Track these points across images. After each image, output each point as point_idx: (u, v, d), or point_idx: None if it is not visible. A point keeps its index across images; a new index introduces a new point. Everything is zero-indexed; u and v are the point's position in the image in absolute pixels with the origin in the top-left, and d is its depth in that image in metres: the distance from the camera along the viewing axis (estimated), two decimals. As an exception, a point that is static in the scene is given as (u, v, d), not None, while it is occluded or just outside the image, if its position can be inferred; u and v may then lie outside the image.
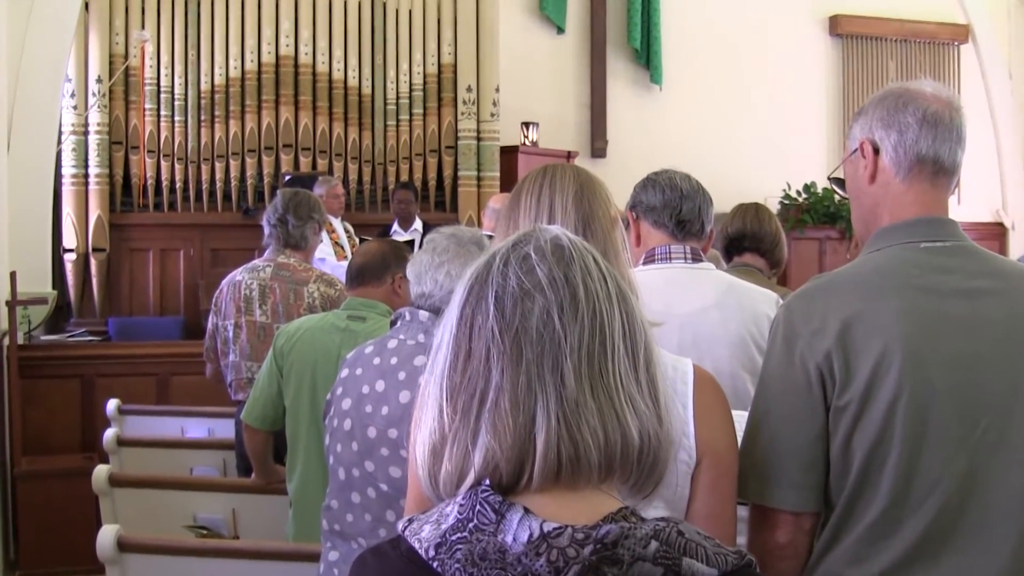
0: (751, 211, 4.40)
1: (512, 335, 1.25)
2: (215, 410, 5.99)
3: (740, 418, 2.00)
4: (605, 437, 1.23)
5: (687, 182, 3.14)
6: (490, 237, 2.96)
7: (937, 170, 2.07)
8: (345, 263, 5.61)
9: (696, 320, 2.97)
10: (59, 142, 8.47)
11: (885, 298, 1.95)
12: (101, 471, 4.49)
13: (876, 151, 2.10)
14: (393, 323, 3.02)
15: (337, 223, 8.12)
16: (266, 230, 4.93)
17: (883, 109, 2.10)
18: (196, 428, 6.01)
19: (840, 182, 2.27)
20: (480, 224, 8.08)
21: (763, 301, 3.06)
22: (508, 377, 1.24)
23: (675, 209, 3.08)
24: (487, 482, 1.22)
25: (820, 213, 10.86)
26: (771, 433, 1.98)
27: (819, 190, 10.94)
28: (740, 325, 2.99)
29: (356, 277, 3.97)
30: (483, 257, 1.33)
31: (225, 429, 5.61)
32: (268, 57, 9.20)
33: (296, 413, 3.94)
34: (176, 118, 9.01)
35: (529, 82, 10.63)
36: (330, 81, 9.39)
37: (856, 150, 2.14)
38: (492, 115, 9.73)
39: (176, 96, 9.03)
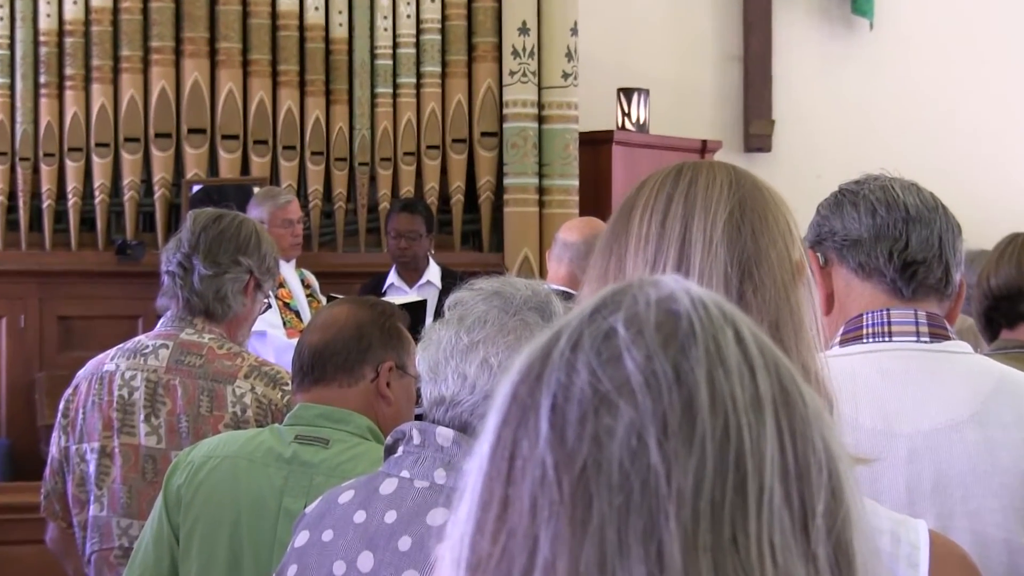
0: (1034, 249, 4.42)
1: (576, 474, 1.25)
2: (64, 606, 6.03)
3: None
4: None
5: (915, 195, 3.14)
6: (568, 296, 2.96)
7: None
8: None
9: (940, 445, 2.97)
10: None
11: None
12: None
13: None
14: (390, 449, 3.05)
15: (289, 270, 8.24)
16: (163, 281, 4.97)
17: None
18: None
19: None
20: (543, 273, 8.07)
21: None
22: (567, 548, 1.24)
23: (896, 242, 3.08)
24: None
25: None
26: None
27: None
28: (1021, 455, 2.98)
29: (312, 368, 4.00)
30: (543, 335, 1.33)
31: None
32: (164, -26, 9.37)
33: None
34: (-1, 81, 9.21)
35: (631, 19, 10.72)
36: (273, 17, 9.55)
37: None
38: (565, 76, 9.81)
39: (-1, 43, 9.23)
